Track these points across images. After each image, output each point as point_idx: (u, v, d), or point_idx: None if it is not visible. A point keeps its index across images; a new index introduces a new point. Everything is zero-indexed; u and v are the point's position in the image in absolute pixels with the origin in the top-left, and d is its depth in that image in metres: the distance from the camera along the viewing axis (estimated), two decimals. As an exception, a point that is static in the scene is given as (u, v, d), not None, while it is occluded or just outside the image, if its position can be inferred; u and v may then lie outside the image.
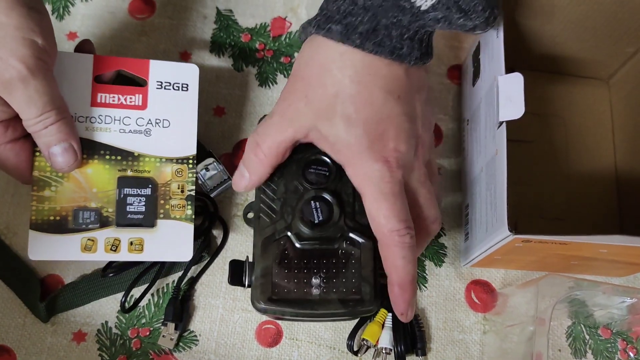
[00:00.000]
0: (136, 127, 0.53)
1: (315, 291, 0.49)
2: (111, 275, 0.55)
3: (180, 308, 0.55)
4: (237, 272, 0.50)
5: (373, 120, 0.46)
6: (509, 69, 0.51)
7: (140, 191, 0.52)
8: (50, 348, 0.55)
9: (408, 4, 0.45)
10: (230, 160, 0.61)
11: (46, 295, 0.55)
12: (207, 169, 0.58)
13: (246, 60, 0.65)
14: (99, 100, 0.53)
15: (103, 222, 0.51)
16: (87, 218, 0.51)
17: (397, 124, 0.47)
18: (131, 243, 0.52)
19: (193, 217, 0.53)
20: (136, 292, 0.56)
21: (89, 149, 0.52)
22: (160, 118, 0.54)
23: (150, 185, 0.53)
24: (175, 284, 0.56)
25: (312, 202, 0.50)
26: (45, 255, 0.50)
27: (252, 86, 0.64)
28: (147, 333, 0.56)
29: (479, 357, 0.57)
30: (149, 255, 0.52)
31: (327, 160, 0.52)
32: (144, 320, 0.56)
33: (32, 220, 0.50)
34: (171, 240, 0.53)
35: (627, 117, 0.63)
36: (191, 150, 0.54)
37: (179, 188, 0.54)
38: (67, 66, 0.52)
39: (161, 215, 0.53)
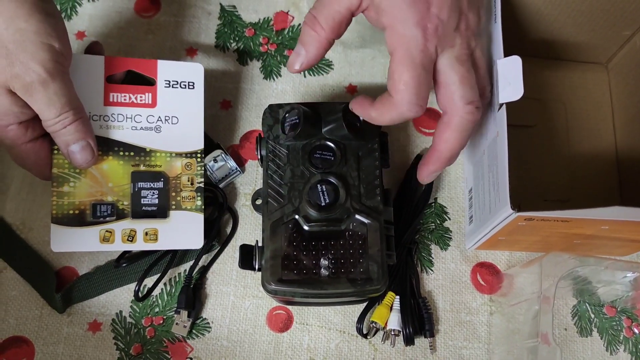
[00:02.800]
0: (147, 124, 0.55)
1: (324, 272, 0.50)
2: (124, 265, 0.57)
3: (192, 296, 0.56)
4: (247, 256, 0.51)
5: None
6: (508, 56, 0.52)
7: (153, 184, 0.54)
8: (67, 338, 0.56)
9: None
10: (238, 151, 0.63)
11: (61, 286, 0.57)
12: (215, 161, 0.60)
13: (250, 55, 0.67)
14: (111, 100, 0.55)
15: (119, 215, 0.53)
16: (105, 211, 0.53)
17: None
18: (146, 233, 0.54)
19: (203, 207, 0.55)
20: (149, 282, 0.57)
21: (104, 146, 0.54)
22: (169, 115, 0.56)
23: (162, 179, 0.55)
24: (187, 273, 0.57)
25: (319, 185, 0.51)
26: (67, 247, 0.53)
27: (257, 79, 0.66)
28: (161, 321, 0.57)
29: (487, 338, 0.57)
30: (163, 244, 0.54)
31: (332, 145, 0.53)
32: (157, 309, 0.57)
33: (53, 215, 0.52)
34: (183, 229, 0.55)
35: (626, 99, 0.64)
36: (199, 144, 0.56)
37: (188, 180, 0.55)
38: (80, 68, 0.54)
39: (173, 207, 0.55)
